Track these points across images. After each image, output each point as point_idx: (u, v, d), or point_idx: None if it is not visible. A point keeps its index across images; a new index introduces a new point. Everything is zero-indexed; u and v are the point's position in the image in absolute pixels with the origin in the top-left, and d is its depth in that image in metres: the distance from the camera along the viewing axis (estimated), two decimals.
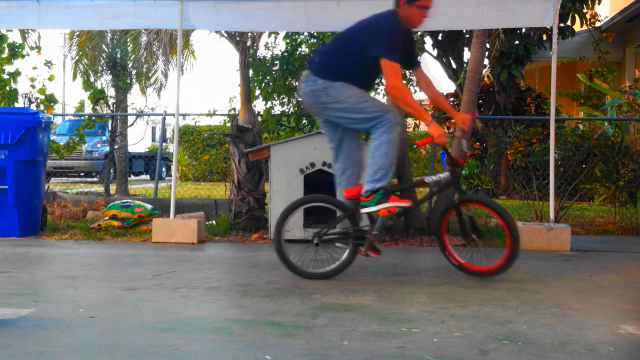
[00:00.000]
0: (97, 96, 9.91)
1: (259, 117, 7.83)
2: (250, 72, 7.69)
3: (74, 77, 14.45)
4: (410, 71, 5.16)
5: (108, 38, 12.82)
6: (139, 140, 12.34)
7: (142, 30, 12.65)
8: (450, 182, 4.53)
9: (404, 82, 8.54)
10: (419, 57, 4.89)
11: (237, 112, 7.74)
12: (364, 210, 4.43)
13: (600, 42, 12.59)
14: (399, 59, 4.30)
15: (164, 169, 16.02)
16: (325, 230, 4.54)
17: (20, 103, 8.39)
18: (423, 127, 13.26)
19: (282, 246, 4.57)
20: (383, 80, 5.81)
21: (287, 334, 3.08)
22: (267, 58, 8.18)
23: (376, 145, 4.37)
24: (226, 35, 7.44)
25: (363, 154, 4.58)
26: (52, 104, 8.37)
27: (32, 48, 8.74)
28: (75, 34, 13.35)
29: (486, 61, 11.80)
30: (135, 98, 20.13)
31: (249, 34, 7.49)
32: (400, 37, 4.42)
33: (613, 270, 5.05)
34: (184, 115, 11.37)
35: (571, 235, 6.06)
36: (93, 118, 9.74)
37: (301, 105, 8.24)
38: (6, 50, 8.12)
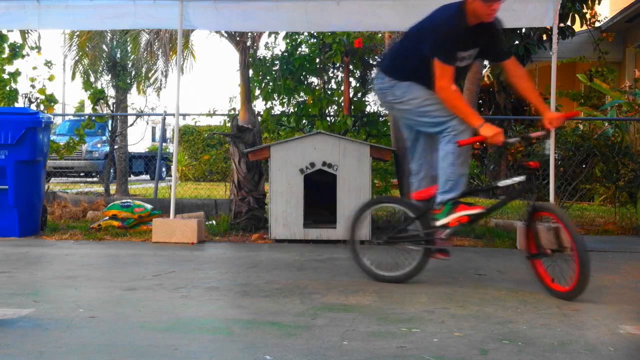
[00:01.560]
0: (97, 96, 9.90)
1: (259, 117, 7.83)
2: (250, 72, 7.69)
3: (74, 77, 14.44)
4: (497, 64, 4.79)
5: (108, 38, 12.82)
6: (139, 140, 12.34)
7: (142, 30, 12.64)
8: (525, 188, 4.07)
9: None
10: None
11: (237, 112, 7.73)
12: (437, 223, 4.23)
13: (600, 42, 12.59)
14: (451, 59, 4.06)
15: (164, 169, 16.02)
16: (395, 232, 4.40)
17: (20, 103, 8.40)
18: None
19: (355, 247, 4.48)
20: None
21: (287, 334, 3.08)
22: (267, 58, 8.17)
23: (442, 156, 4.17)
24: (226, 35, 7.44)
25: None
26: (52, 104, 8.37)
27: (32, 48, 8.74)
28: (75, 34, 13.34)
29: (486, 61, 11.79)
30: (135, 98, 20.10)
31: (249, 34, 7.49)
32: (461, 34, 4.09)
33: (613, 270, 5.05)
34: (184, 115, 11.37)
35: None
36: (93, 118, 9.74)
37: (301, 105, 8.24)
38: (6, 50, 8.13)
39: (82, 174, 18.02)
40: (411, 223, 4.40)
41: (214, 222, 7.41)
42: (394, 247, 4.43)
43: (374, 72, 8.58)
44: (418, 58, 4.14)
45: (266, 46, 8.53)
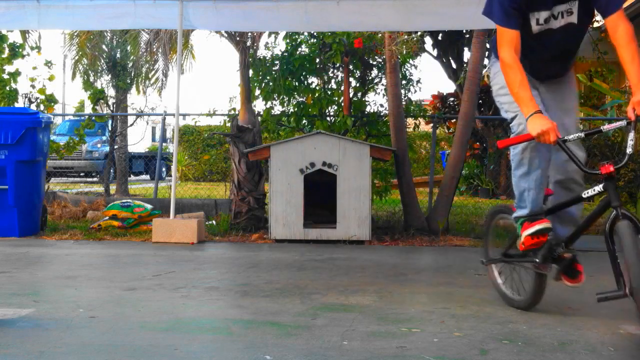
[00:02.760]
0: (97, 96, 9.91)
1: (259, 117, 7.83)
2: (250, 72, 7.69)
3: (74, 77, 14.44)
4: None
5: (108, 38, 12.81)
6: (139, 140, 12.34)
7: (142, 30, 12.64)
8: (608, 201, 3.14)
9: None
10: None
11: (237, 112, 7.73)
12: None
13: (599, 42, 12.58)
14: (514, 22, 3.16)
15: (164, 169, 16.01)
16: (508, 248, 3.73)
17: (20, 103, 8.40)
18: (423, 127, 13.29)
19: (491, 266, 3.86)
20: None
21: (287, 334, 3.08)
22: (267, 58, 8.17)
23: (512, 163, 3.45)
24: (226, 35, 7.44)
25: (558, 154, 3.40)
26: (52, 104, 8.38)
27: (32, 48, 8.74)
28: (75, 34, 13.33)
29: (486, 61, 11.78)
30: (135, 98, 20.08)
31: (249, 34, 7.49)
32: None
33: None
34: (184, 115, 11.36)
35: None
36: (93, 118, 9.74)
37: (301, 105, 8.23)
38: (6, 50, 8.13)
39: (82, 174, 18.01)
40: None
41: (214, 222, 7.41)
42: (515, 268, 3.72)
43: (374, 72, 8.58)
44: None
45: (266, 46, 8.51)
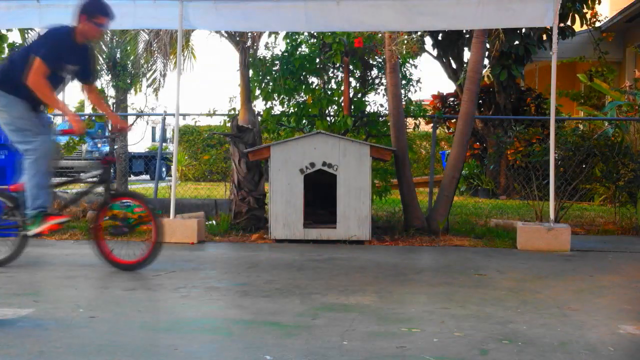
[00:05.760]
0: None
1: (259, 117, 7.82)
2: (250, 72, 7.68)
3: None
4: None
5: (108, 38, 12.80)
6: (139, 140, 12.33)
7: (142, 30, 12.63)
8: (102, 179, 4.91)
9: None
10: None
11: (237, 112, 7.72)
12: None
13: (600, 42, 12.58)
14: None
15: (164, 169, 16.01)
16: None
17: None
18: (423, 127, 13.29)
19: None
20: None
21: (287, 334, 3.08)
22: (267, 58, 8.15)
23: None
24: (226, 35, 7.43)
25: None
26: None
27: None
28: None
29: (486, 61, 11.79)
30: (135, 98, 20.08)
31: (249, 34, 7.48)
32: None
33: (613, 270, 5.05)
34: (184, 115, 11.33)
35: (571, 235, 6.06)
36: (93, 118, 9.73)
37: (301, 105, 8.23)
38: (6, 50, 8.13)
39: (82, 174, 18.00)
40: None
41: (214, 222, 7.41)
42: None
43: (374, 72, 8.57)
44: None
45: (266, 46, 8.49)
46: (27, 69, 4.46)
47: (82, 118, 9.82)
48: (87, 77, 4.97)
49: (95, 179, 4.94)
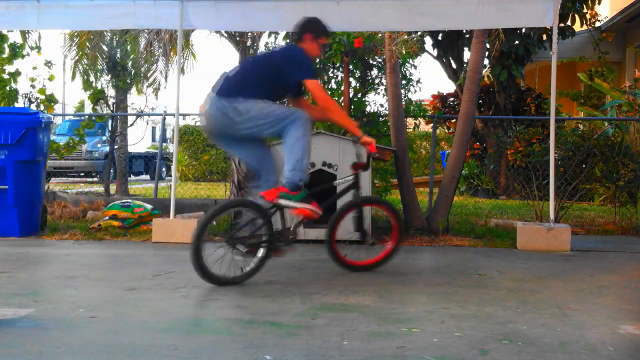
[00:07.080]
0: (97, 96, 9.90)
1: None
2: None
3: (74, 77, 14.44)
4: None
5: (108, 38, 12.81)
6: (139, 140, 12.33)
7: (142, 30, 12.63)
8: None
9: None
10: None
11: None
12: None
13: (600, 42, 12.59)
14: None
15: (164, 169, 16.01)
16: None
17: (20, 103, 8.39)
18: (423, 127, 13.29)
19: None
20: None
21: (287, 334, 3.08)
22: None
23: None
24: (226, 35, 7.44)
25: None
26: (52, 104, 8.37)
27: (32, 48, 8.73)
28: (75, 34, 13.32)
29: (486, 61, 11.78)
30: (135, 98, 20.07)
31: (249, 34, 7.49)
32: None
33: (613, 270, 5.05)
34: (184, 115, 11.32)
35: (571, 235, 6.06)
36: (93, 118, 9.73)
37: None
38: (6, 50, 8.12)
39: (82, 174, 18.00)
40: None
41: (214, 222, 7.39)
42: None
43: (374, 72, 8.57)
44: None
45: (266, 46, 8.49)
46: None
47: (82, 118, 9.83)
48: (301, 92, 4.86)
49: (348, 184, 4.85)
